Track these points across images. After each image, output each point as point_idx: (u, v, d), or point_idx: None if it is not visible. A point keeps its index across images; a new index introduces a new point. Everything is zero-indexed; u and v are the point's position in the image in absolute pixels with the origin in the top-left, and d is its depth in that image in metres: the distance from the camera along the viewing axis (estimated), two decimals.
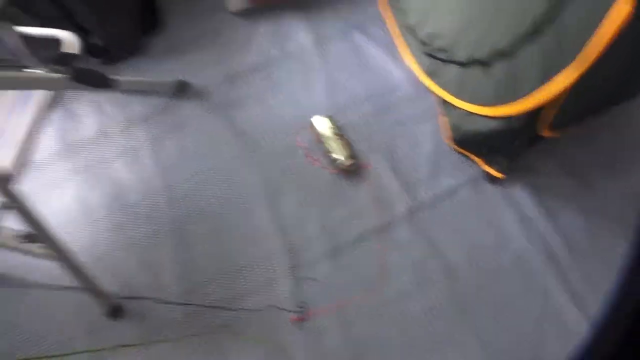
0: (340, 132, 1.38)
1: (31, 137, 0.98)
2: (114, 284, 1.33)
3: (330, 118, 1.40)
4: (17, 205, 0.86)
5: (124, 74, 1.58)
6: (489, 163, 1.32)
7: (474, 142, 1.31)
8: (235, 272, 1.30)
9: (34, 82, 0.95)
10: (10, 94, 1.03)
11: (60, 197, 1.44)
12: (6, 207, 0.91)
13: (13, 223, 0.97)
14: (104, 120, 1.53)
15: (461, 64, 1.23)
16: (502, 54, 1.05)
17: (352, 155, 1.35)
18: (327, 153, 1.38)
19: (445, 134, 1.40)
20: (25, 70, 0.98)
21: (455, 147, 1.37)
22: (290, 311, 1.24)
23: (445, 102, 1.36)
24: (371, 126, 1.43)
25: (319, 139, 1.40)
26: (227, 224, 1.35)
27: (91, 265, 1.17)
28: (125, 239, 1.37)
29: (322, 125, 1.39)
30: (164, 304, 1.26)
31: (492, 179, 1.34)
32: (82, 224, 1.40)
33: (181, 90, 1.51)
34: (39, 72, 0.95)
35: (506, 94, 1.13)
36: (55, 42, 1.14)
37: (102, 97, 1.57)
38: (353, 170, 1.37)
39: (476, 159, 1.35)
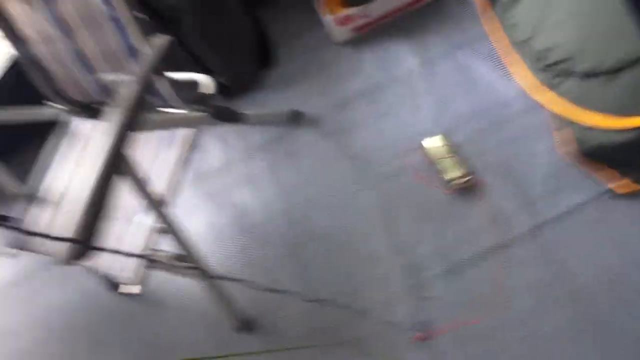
0: (451, 151, 1.39)
1: (179, 168, 1.12)
2: (240, 300, 1.44)
3: (443, 136, 1.42)
4: (172, 229, 0.98)
5: (242, 108, 1.73)
6: (615, 177, 1.24)
7: (598, 156, 1.24)
8: (353, 291, 1.34)
9: (181, 121, 1.09)
10: (158, 133, 1.19)
11: (192, 222, 1.60)
12: (162, 231, 1.05)
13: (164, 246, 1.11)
14: (228, 150, 1.68)
15: (582, 76, 1.19)
16: (632, 63, 1.00)
17: (467, 173, 1.35)
18: (439, 173, 1.39)
19: (565, 149, 1.34)
20: (171, 111, 1.13)
21: (577, 162, 1.31)
22: (410, 330, 1.25)
23: (564, 116, 1.31)
24: (483, 144, 1.41)
25: (430, 159, 1.41)
26: (345, 245, 1.41)
27: (222, 284, 1.28)
28: (249, 259, 1.49)
29: (434, 145, 1.40)
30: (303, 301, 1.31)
31: (619, 195, 1.26)
32: (212, 246, 1.54)
33: (295, 119, 1.62)
34: (184, 112, 1.09)
35: (635, 104, 1.07)
36: (193, 84, 1.29)
37: (226, 129, 1.72)
38: (468, 189, 1.36)
39: (600, 173, 1.28)
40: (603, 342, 1.14)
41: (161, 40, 0.92)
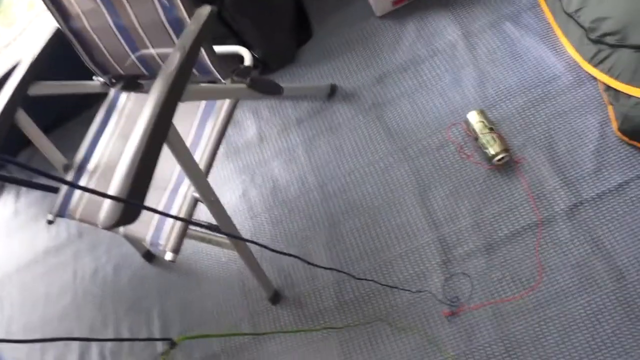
0: (492, 126, 1.36)
1: (217, 140, 1.15)
2: (274, 272, 1.48)
3: (482, 112, 1.38)
4: (209, 199, 1.01)
5: (281, 82, 1.74)
6: None
7: None
8: (387, 264, 1.36)
9: (221, 93, 1.11)
10: (198, 104, 1.21)
11: (226, 194, 1.65)
12: (199, 201, 1.08)
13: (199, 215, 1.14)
14: (262, 125, 1.71)
15: (636, 48, 1.13)
16: None
17: (506, 149, 1.32)
18: (481, 148, 1.36)
19: (614, 125, 1.29)
20: (211, 83, 1.15)
21: (627, 139, 1.26)
22: (442, 304, 1.26)
23: (614, 90, 1.25)
24: (528, 119, 1.37)
25: (471, 134, 1.39)
26: (379, 218, 1.41)
27: (256, 255, 1.32)
28: (283, 231, 1.52)
29: (476, 119, 1.37)
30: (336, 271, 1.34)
31: None
32: (246, 218, 1.59)
33: (332, 93, 1.62)
34: (224, 84, 1.11)
35: None
36: (233, 56, 1.31)
37: (260, 104, 1.74)
38: (507, 165, 1.33)
39: None
40: (635, 323, 1.11)
41: (205, 12, 0.93)
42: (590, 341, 1.12)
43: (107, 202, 0.70)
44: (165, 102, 0.76)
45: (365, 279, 1.35)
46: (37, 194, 2.12)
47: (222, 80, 1.11)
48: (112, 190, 0.68)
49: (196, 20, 0.92)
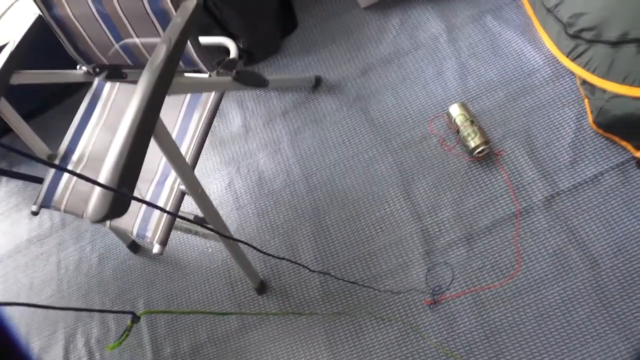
0: (473, 119, 1.39)
1: (202, 132, 1.16)
2: (260, 263, 1.50)
3: (463, 105, 1.41)
4: (195, 191, 1.02)
5: (265, 73, 1.74)
6: None
7: (625, 126, 1.23)
8: (370, 255, 1.38)
9: (210, 85, 1.11)
10: (182, 96, 1.21)
11: (212, 185, 1.65)
12: (185, 193, 1.09)
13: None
14: (247, 116, 1.71)
15: (611, 43, 1.17)
16: None
17: (487, 142, 1.35)
18: (461, 140, 1.39)
19: (591, 118, 1.33)
20: (199, 75, 1.15)
21: (601, 131, 1.30)
22: (424, 293, 1.29)
23: (590, 84, 1.29)
24: (507, 112, 1.41)
25: (453, 126, 1.42)
26: (363, 210, 1.44)
27: (242, 246, 1.33)
28: (268, 223, 1.53)
29: (457, 112, 1.40)
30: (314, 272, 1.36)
31: None
32: (231, 209, 1.60)
33: (317, 85, 1.63)
34: (209, 76, 1.11)
35: None
36: (218, 48, 1.31)
37: (245, 95, 1.75)
38: (488, 157, 1.37)
39: (625, 143, 1.27)
40: (607, 309, 1.16)
41: (191, 4, 0.93)
42: (566, 326, 1.17)
43: (95, 194, 0.70)
44: (152, 96, 0.76)
45: (347, 270, 1.38)
46: (17, 183, 2.08)
47: (207, 73, 1.11)
48: (101, 181, 0.69)
49: (182, 12, 0.92)
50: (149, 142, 0.78)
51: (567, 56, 1.36)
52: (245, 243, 0.94)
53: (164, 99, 0.82)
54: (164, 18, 1.03)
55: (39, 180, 1.28)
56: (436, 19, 1.60)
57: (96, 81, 1.36)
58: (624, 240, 1.21)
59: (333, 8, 1.74)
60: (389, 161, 1.47)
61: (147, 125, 0.75)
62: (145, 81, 0.78)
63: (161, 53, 0.82)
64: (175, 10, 0.97)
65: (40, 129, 1.32)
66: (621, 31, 1.15)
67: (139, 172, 0.73)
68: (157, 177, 1.16)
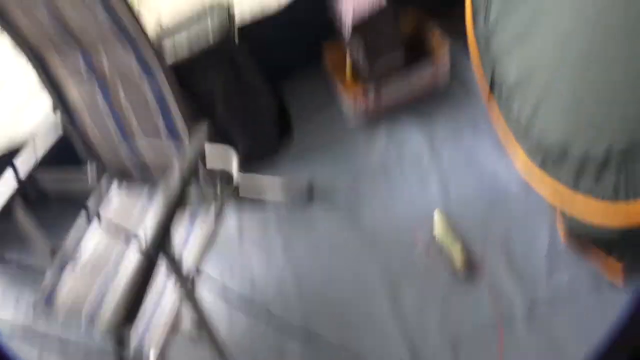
0: (454, 230, 1.48)
1: (210, 242, 1.22)
2: None
3: (445, 215, 1.51)
4: (193, 304, 1.05)
5: (259, 179, 1.83)
6: (611, 261, 1.30)
7: (592, 240, 1.30)
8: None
9: (209, 198, 1.20)
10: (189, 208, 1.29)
11: (205, 290, 1.64)
12: (183, 299, 1.13)
13: None
14: (242, 219, 1.77)
15: (576, 161, 1.23)
16: (621, 153, 1.05)
17: (467, 252, 1.43)
18: (444, 250, 1.47)
19: (561, 231, 1.42)
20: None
21: (572, 243, 1.38)
22: None
23: (556, 202, 1.38)
24: (486, 224, 1.50)
25: (435, 236, 1.51)
26: (351, 315, 1.47)
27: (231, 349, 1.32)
28: (259, 327, 1.50)
29: (439, 222, 1.50)
30: None
31: (615, 277, 1.31)
32: (222, 313, 1.58)
33: (308, 192, 1.73)
34: (211, 189, 1.20)
35: (626, 195, 1.11)
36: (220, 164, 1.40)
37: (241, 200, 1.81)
38: (470, 266, 1.43)
39: (596, 256, 1.33)
40: None
41: (202, 129, 1.04)
42: None
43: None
44: (165, 220, 0.84)
45: None
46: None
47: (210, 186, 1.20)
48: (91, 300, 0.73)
49: (194, 138, 1.03)
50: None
51: (538, 172, 1.45)
52: None
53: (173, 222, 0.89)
54: (175, 136, 1.14)
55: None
56: (419, 133, 1.76)
57: (107, 183, 1.43)
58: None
59: (325, 118, 1.90)
60: (375, 267, 1.52)
61: (156, 256, 0.81)
62: (160, 205, 0.86)
63: (175, 180, 0.91)
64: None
65: (42, 220, 1.34)
66: (583, 150, 1.20)
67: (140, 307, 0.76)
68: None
